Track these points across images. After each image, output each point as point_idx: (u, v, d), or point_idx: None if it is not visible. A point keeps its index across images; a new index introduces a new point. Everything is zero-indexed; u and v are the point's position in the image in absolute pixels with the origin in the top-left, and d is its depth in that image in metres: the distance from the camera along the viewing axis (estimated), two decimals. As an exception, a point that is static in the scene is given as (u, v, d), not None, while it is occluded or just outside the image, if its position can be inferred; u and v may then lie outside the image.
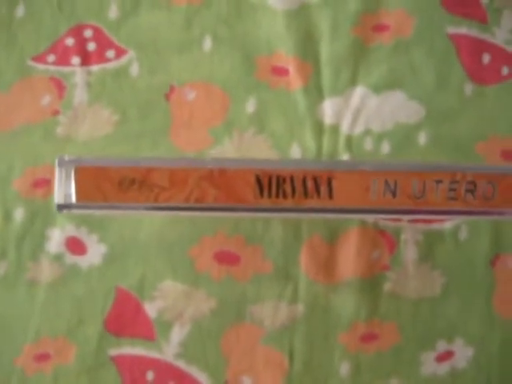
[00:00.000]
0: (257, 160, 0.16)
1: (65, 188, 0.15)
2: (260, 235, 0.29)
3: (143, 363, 0.29)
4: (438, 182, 0.15)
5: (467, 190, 0.16)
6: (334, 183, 0.15)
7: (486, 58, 0.31)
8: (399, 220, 0.30)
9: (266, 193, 0.15)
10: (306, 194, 0.15)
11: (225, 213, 0.15)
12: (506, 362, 0.30)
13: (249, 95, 0.29)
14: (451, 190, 0.16)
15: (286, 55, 0.30)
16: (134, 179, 0.15)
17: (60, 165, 0.15)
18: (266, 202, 0.15)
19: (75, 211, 0.16)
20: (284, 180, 0.15)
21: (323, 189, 0.15)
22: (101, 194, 0.15)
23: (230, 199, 0.15)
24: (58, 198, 0.15)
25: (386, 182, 0.15)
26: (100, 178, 0.15)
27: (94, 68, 0.30)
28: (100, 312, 0.29)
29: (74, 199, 0.15)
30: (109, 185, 0.15)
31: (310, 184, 0.15)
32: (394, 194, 0.15)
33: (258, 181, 0.15)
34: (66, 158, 0.15)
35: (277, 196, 0.15)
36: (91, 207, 0.15)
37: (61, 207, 0.16)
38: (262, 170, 0.15)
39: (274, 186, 0.15)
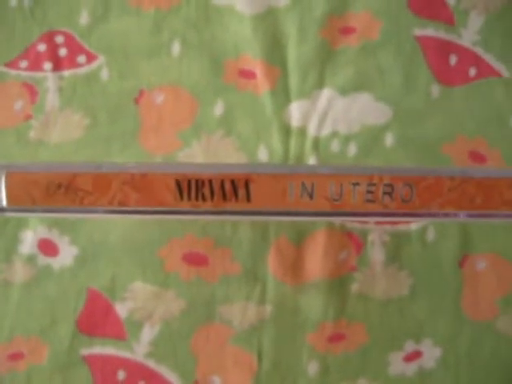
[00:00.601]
0: (176, 164, 0.16)
1: (-4, 192, 0.16)
2: (228, 237, 0.30)
3: (114, 362, 0.30)
4: (356, 184, 0.16)
5: (385, 193, 0.16)
6: (252, 186, 0.15)
7: (453, 60, 0.31)
8: (366, 222, 0.30)
9: (185, 196, 0.16)
10: (224, 196, 0.15)
11: (146, 215, 0.16)
12: (474, 362, 0.30)
13: (217, 98, 0.30)
14: (369, 192, 0.16)
15: (253, 58, 0.30)
16: (61, 184, 0.15)
17: (-9, 170, 0.16)
18: (185, 204, 0.16)
19: (6, 214, 0.16)
20: (203, 183, 0.15)
21: (241, 192, 0.15)
22: (30, 198, 0.15)
23: (151, 202, 0.16)
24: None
25: (303, 185, 0.16)
26: (29, 183, 0.15)
27: (66, 73, 0.30)
28: (72, 312, 0.29)
29: (4, 203, 0.16)
30: (37, 189, 0.15)
31: (228, 187, 0.15)
32: (311, 197, 0.16)
33: (178, 184, 0.15)
34: (-4, 163, 0.16)
35: (196, 199, 0.16)
36: (21, 210, 0.16)
37: (-6, 211, 0.16)
38: (181, 173, 0.15)
39: (194, 190, 0.15)
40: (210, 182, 0.15)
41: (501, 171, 0.17)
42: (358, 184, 0.16)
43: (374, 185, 0.16)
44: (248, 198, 0.15)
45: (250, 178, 0.15)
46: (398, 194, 0.16)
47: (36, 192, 0.15)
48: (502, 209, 0.16)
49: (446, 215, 0.17)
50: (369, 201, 0.16)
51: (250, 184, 0.15)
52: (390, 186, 0.16)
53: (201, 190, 0.15)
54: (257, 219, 0.16)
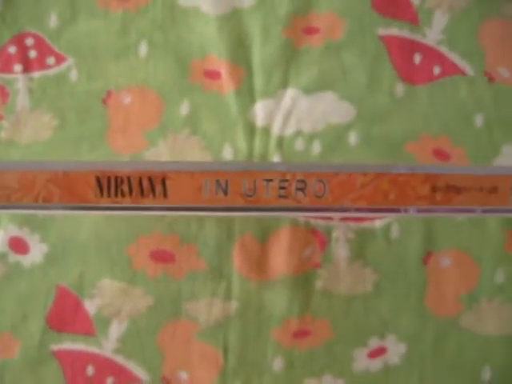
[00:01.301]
0: (97, 162, 0.17)
1: None
2: (194, 235, 0.30)
3: (83, 358, 0.30)
4: (269, 181, 0.16)
5: (298, 189, 0.16)
6: (168, 183, 0.16)
7: (418, 58, 0.31)
8: (330, 219, 0.30)
9: (105, 192, 0.16)
10: (142, 193, 0.16)
11: (69, 211, 0.16)
12: (439, 358, 0.30)
13: (183, 98, 0.30)
14: (281, 188, 0.16)
15: (218, 59, 0.31)
16: None
17: None
18: (106, 200, 0.16)
19: None
20: (122, 180, 0.16)
21: (158, 188, 0.16)
22: None
23: (73, 199, 0.16)
24: None
25: (218, 182, 0.16)
26: None
27: (36, 75, 0.31)
28: (42, 309, 0.30)
29: None
30: None
31: (145, 184, 0.16)
32: (225, 193, 0.16)
33: (98, 181, 0.16)
34: None
35: (116, 195, 0.16)
36: None
37: None
38: (101, 171, 0.16)
39: (113, 186, 0.16)
40: (129, 179, 0.16)
41: (413, 167, 0.17)
42: (271, 180, 0.16)
43: (287, 181, 0.16)
44: (165, 195, 0.16)
45: (167, 175, 0.16)
46: (311, 189, 0.16)
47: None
48: (418, 204, 0.17)
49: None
50: (282, 196, 0.16)
51: (166, 181, 0.16)
52: (303, 182, 0.16)
53: (120, 187, 0.16)
54: (173, 215, 0.16)
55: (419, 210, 0.18)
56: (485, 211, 0.17)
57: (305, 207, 0.16)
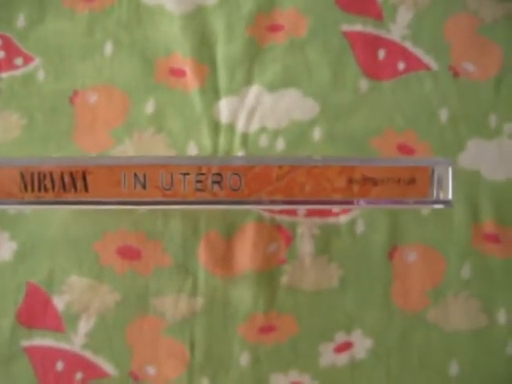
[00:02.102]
0: (20, 158, 0.17)
1: None
2: (160, 231, 0.30)
3: (53, 354, 0.31)
4: (185, 174, 0.16)
5: (214, 182, 0.17)
6: (89, 178, 0.16)
7: (382, 54, 0.31)
8: (295, 214, 0.30)
9: (29, 188, 0.17)
10: (64, 188, 0.16)
11: None
12: (405, 353, 0.30)
13: (148, 96, 0.31)
14: (198, 181, 0.16)
15: (183, 57, 0.31)
16: None
17: None
18: (30, 195, 0.17)
19: None
20: (44, 176, 0.16)
21: (79, 183, 0.16)
22: None
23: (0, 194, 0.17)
24: None
25: (136, 175, 0.16)
26: None
27: (4, 75, 0.31)
28: (12, 305, 0.31)
29: None
30: None
31: (67, 179, 0.16)
32: (144, 186, 0.16)
33: (22, 177, 0.16)
34: None
35: (39, 190, 0.16)
36: None
37: None
38: (24, 167, 0.16)
39: (36, 182, 0.16)
40: (51, 174, 0.16)
41: (329, 159, 0.17)
42: (187, 174, 0.16)
43: (203, 174, 0.16)
44: (86, 189, 0.16)
45: (87, 169, 0.16)
46: (227, 183, 0.16)
47: None
48: (334, 196, 0.17)
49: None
50: (198, 190, 0.16)
51: (87, 176, 0.16)
52: (219, 175, 0.16)
53: (43, 182, 0.16)
54: (95, 208, 0.17)
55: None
56: (410, 202, 0.17)
57: (221, 200, 0.16)
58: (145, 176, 0.16)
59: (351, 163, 0.17)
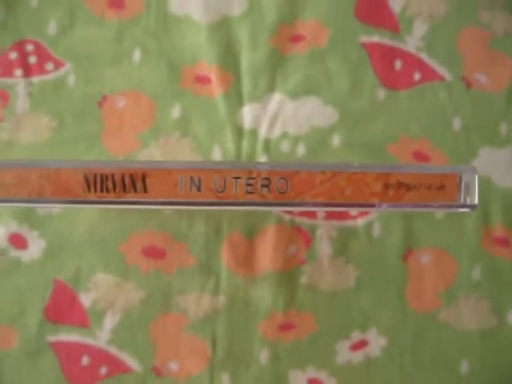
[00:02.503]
0: (84, 161, 0.18)
1: None
2: (184, 232, 0.32)
3: (79, 349, 0.32)
4: (237, 178, 0.18)
5: (263, 185, 0.18)
6: (148, 180, 0.18)
7: (398, 65, 0.32)
8: (315, 217, 0.32)
9: (92, 188, 0.18)
10: (124, 189, 0.18)
11: (60, 205, 0.18)
12: (419, 352, 0.32)
13: (174, 102, 0.32)
14: (248, 185, 0.18)
15: (208, 65, 0.32)
16: None
17: None
18: (92, 195, 0.18)
19: None
20: (107, 177, 0.18)
21: (139, 185, 0.18)
22: None
23: (64, 194, 0.18)
24: None
25: (192, 179, 0.18)
26: None
27: (35, 79, 0.32)
28: (40, 302, 0.32)
29: None
30: None
31: (127, 181, 0.18)
32: (199, 189, 0.18)
33: (86, 178, 0.18)
34: None
35: (101, 191, 0.18)
36: None
37: None
38: (88, 169, 0.18)
39: (99, 183, 0.18)
40: (113, 176, 0.18)
41: (367, 166, 0.19)
42: (239, 178, 0.18)
43: (254, 178, 0.18)
44: (145, 190, 0.18)
45: (147, 172, 0.18)
46: (275, 186, 0.18)
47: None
48: (371, 199, 0.18)
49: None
50: (249, 192, 0.18)
51: (146, 178, 0.18)
52: (268, 179, 0.18)
53: (105, 183, 0.18)
54: (153, 208, 0.18)
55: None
56: (432, 207, 0.19)
57: (269, 202, 0.18)
58: (200, 179, 0.18)
59: (387, 170, 0.18)
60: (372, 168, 0.18)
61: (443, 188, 0.18)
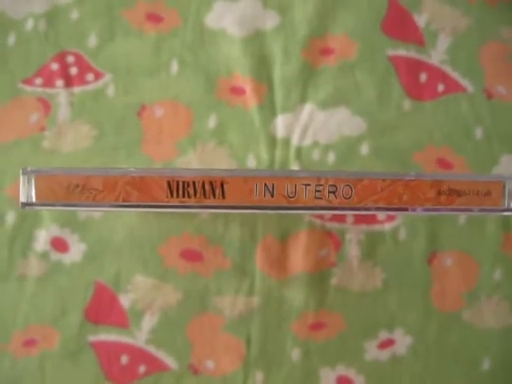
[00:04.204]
0: (167, 169, 0.20)
1: (28, 190, 0.20)
2: (220, 236, 0.33)
3: (118, 348, 0.33)
4: (307, 185, 0.20)
5: (330, 191, 0.20)
6: (226, 186, 0.20)
7: (423, 77, 0.34)
8: (344, 222, 0.33)
9: (175, 194, 0.20)
10: (204, 194, 0.20)
11: (145, 209, 0.20)
12: (442, 350, 0.33)
13: (210, 112, 0.33)
14: (317, 191, 0.20)
15: (242, 77, 0.34)
16: (78, 184, 0.20)
17: (24, 173, 0.21)
18: (175, 200, 0.20)
19: (35, 208, 0.20)
20: (188, 184, 0.20)
21: (218, 191, 0.19)
22: (54, 195, 0.20)
23: (147, 199, 0.20)
24: (22, 197, 0.21)
25: (266, 185, 0.20)
26: (53, 183, 0.20)
27: (76, 90, 0.34)
28: (81, 303, 0.33)
29: (34, 199, 0.20)
30: (59, 188, 0.20)
31: (207, 187, 0.19)
32: (272, 195, 0.20)
33: (169, 185, 0.20)
34: (29, 168, 0.21)
35: (183, 196, 0.20)
36: (46, 205, 0.20)
37: (24, 205, 0.21)
38: (171, 176, 0.20)
39: (181, 189, 0.20)
40: (194, 183, 0.19)
41: (422, 175, 0.21)
42: (308, 185, 0.20)
43: (322, 185, 0.20)
44: (223, 196, 0.19)
45: (225, 179, 0.20)
46: (341, 192, 0.20)
47: (59, 191, 0.19)
48: (426, 204, 0.20)
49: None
50: (317, 198, 0.20)
51: (224, 184, 0.20)
52: (334, 186, 0.20)
53: (186, 190, 0.19)
54: (230, 212, 0.20)
55: (425, 209, 0.21)
56: (481, 211, 0.20)
57: (336, 207, 0.20)
58: (273, 186, 0.19)
59: (440, 178, 0.20)
60: (426, 176, 0.20)
61: (489, 194, 0.20)
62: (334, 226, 0.33)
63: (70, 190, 0.19)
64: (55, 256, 0.33)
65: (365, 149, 0.33)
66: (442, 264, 0.33)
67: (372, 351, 0.33)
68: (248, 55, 0.34)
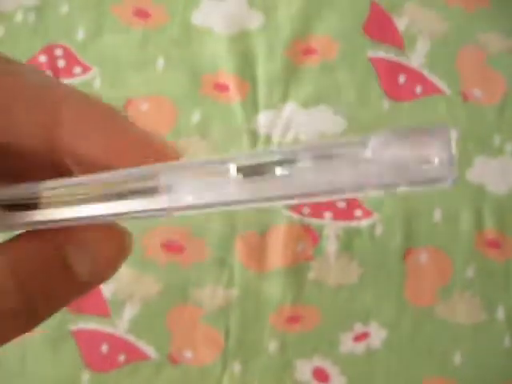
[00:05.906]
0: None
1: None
2: (201, 228, 0.34)
3: (99, 337, 0.34)
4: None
5: None
6: None
7: (402, 79, 0.35)
8: (323, 217, 0.34)
9: None
10: None
11: None
12: (416, 343, 0.34)
13: (194, 108, 0.34)
14: None
15: (227, 74, 0.34)
16: None
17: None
18: None
19: None
20: None
21: None
22: None
23: None
24: None
25: None
26: None
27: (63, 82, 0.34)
28: (62, 292, 0.33)
29: None
30: None
31: None
32: None
33: None
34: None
35: None
36: None
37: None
38: None
39: None
40: None
41: None
42: None
43: None
44: None
45: None
46: None
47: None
48: None
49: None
50: None
51: None
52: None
53: None
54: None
55: None
56: None
57: None
58: None
59: None
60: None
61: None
62: (312, 221, 0.34)
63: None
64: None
65: (344, 147, 0.34)
66: (416, 260, 0.34)
67: (347, 344, 0.34)
68: (233, 53, 0.35)
